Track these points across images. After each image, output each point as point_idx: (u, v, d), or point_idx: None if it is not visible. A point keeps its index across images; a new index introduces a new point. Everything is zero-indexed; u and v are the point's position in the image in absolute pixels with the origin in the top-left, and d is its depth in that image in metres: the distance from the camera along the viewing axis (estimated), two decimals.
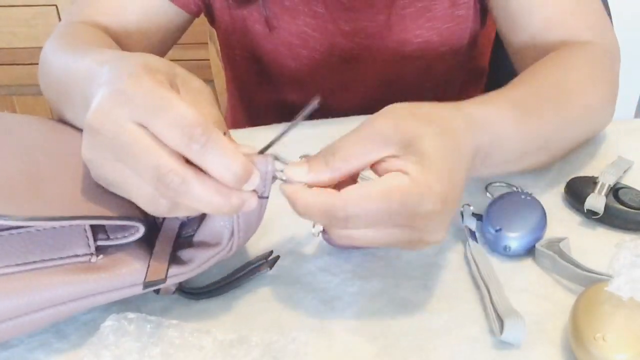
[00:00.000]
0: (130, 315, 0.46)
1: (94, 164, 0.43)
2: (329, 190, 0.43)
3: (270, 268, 0.51)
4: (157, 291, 0.49)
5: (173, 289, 0.49)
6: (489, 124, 0.50)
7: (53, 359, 0.45)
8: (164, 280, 0.44)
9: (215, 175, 0.40)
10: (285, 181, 0.44)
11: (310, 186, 0.43)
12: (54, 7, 1.72)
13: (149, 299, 0.49)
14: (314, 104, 0.41)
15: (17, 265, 0.43)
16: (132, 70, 0.42)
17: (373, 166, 0.44)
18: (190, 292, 0.50)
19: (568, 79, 0.62)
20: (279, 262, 0.52)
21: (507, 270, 0.52)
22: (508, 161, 0.55)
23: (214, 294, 0.50)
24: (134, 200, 0.42)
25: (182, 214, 0.43)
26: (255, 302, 0.50)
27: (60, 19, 1.72)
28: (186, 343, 0.45)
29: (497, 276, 0.50)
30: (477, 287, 0.50)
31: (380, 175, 0.44)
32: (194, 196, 0.40)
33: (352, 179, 0.46)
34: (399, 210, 0.42)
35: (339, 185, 0.43)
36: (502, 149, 0.52)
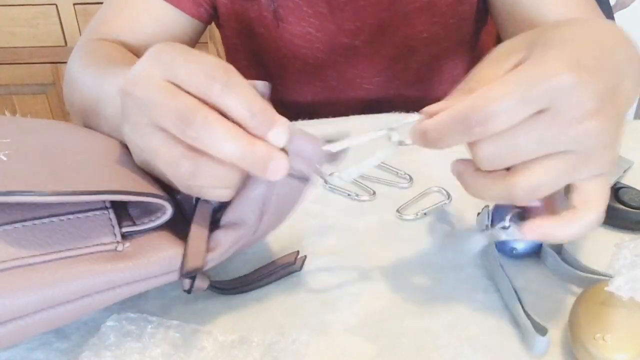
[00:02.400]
0: (131, 315, 0.46)
1: (131, 136, 0.42)
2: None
3: (300, 269, 0.52)
4: (189, 290, 0.48)
5: (205, 286, 0.48)
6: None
7: (53, 359, 0.45)
8: (201, 268, 0.43)
9: (235, 115, 0.39)
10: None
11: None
12: (54, 6, 1.72)
13: (149, 299, 0.49)
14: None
15: (42, 254, 0.41)
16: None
17: None
18: (221, 287, 0.49)
19: None
20: None
21: (511, 270, 0.52)
22: None
23: (245, 289, 0.50)
24: (157, 164, 0.41)
25: (203, 180, 0.41)
26: (256, 303, 0.50)
27: (60, 19, 1.72)
28: (187, 343, 0.45)
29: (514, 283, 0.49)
30: (483, 289, 0.50)
31: None
32: (216, 138, 0.38)
33: None
34: (532, 88, 0.37)
35: None
36: None
